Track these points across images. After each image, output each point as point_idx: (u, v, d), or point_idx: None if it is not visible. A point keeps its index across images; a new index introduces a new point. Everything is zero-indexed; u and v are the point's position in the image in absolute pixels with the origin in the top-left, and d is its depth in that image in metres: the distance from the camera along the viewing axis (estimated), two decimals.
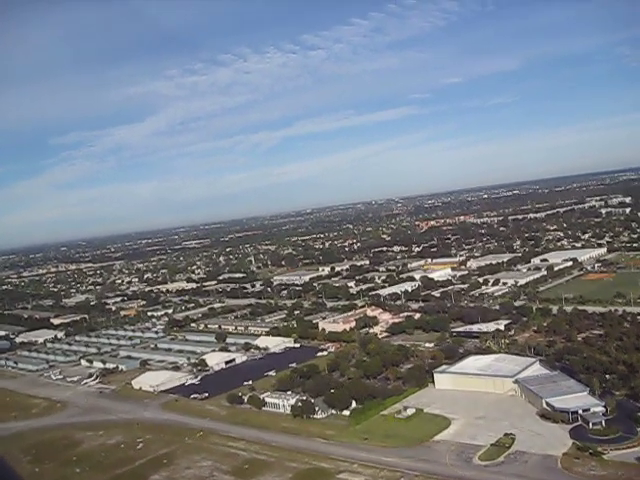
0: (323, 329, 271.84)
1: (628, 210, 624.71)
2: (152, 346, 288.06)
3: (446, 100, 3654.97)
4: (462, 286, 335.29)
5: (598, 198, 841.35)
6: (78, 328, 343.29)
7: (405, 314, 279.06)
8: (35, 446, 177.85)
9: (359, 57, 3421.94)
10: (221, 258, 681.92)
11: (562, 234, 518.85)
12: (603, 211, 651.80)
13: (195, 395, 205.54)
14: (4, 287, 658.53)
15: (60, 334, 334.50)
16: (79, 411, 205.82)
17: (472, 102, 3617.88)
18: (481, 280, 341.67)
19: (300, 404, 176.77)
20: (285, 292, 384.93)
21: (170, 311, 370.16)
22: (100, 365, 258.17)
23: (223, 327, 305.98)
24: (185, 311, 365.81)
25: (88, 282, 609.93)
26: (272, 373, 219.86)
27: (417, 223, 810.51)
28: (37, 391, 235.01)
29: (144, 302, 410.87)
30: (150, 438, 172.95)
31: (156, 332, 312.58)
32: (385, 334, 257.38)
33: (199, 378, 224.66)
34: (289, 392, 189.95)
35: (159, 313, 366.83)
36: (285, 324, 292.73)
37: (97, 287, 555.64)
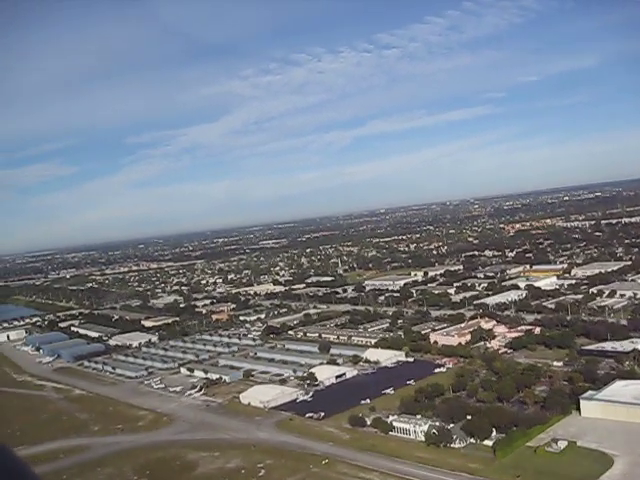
0: (435, 342, 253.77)
1: None
2: (251, 354, 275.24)
3: (522, 99, 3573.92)
4: (575, 297, 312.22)
5: None
6: (171, 332, 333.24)
7: (524, 327, 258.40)
8: (147, 466, 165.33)
9: (434, 56, 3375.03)
10: (303, 259, 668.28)
11: None
12: None
13: (310, 414, 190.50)
14: (89, 285, 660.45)
15: (154, 338, 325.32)
16: (188, 427, 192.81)
17: (549, 101, 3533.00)
18: (595, 291, 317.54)
19: (435, 431, 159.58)
20: (382, 298, 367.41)
21: (262, 316, 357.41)
22: (202, 375, 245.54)
23: (324, 336, 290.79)
24: (278, 317, 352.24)
25: (172, 282, 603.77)
26: (390, 391, 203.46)
27: (503, 226, 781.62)
28: (139, 401, 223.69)
29: (234, 305, 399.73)
30: (271, 464, 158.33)
31: (253, 339, 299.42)
32: (504, 350, 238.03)
33: (311, 394, 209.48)
34: (418, 416, 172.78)
35: (252, 318, 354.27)
36: (391, 334, 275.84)
37: (182, 287, 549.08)
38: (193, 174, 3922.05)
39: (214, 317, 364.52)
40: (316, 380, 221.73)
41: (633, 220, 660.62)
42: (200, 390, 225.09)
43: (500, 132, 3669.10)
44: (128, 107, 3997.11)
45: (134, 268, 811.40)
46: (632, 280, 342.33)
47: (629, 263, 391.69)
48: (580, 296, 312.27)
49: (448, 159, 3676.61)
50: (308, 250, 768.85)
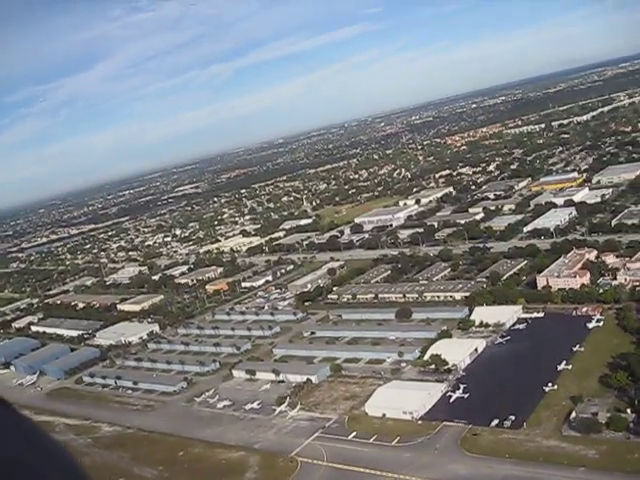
0: (548, 286, 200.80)
1: None
2: (306, 334, 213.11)
3: (400, 12, 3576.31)
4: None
5: (623, 94, 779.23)
6: (170, 317, 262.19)
7: None
8: None
9: None
10: (248, 202, 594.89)
11: None
12: None
13: (495, 421, 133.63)
14: (17, 266, 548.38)
15: (154, 328, 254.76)
16: (332, 473, 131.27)
17: (429, 10, 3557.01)
18: None
19: None
20: (403, 237, 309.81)
21: (270, 278, 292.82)
22: (270, 376, 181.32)
23: (381, 296, 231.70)
24: (290, 276, 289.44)
25: (113, 249, 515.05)
26: (565, 366, 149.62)
27: (444, 141, 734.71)
28: (215, 433, 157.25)
29: (220, 269, 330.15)
30: None
31: (294, 313, 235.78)
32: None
33: (462, 388, 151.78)
34: None
35: (258, 282, 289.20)
36: (471, 283, 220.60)
37: (129, 253, 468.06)
38: (75, 127, 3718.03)
39: (210, 288, 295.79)
40: (446, 363, 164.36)
41: (585, 118, 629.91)
42: (294, 405, 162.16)
43: (382, 48, 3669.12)
44: None
45: (54, 237, 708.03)
46: None
47: None
48: None
49: (334, 80, 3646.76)
50: (243, 191, 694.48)
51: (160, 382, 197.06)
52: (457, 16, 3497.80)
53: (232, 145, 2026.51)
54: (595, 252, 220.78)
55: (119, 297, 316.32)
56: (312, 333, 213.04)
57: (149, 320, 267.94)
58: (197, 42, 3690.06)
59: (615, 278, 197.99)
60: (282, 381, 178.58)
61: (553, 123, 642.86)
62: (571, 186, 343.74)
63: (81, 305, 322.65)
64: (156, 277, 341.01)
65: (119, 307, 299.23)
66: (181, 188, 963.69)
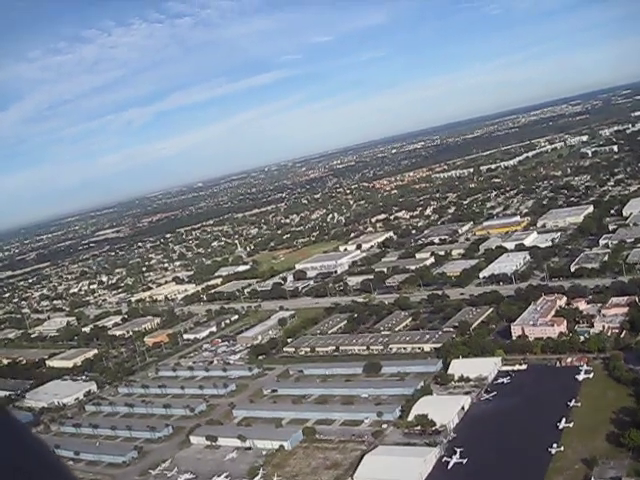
0: (525, 336, 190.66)
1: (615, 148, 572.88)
2: (267, 391, 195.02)
3: (319, 60, 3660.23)
4: (596, 252, 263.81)
5: (543, 140, 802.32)
6: (109, 374, 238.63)
7: (620, 300, 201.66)
8: None
9: (227, 22, 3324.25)
10: (176, 248, 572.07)
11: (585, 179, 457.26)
12: (588, 152, 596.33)
13: None
14: None
15: (91, 387, 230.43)
16: None
17: (345, 59, 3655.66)
18: (609, 243, 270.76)
19: None
20: (352, 284, 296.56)
21: (214, 329, 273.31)
22: (235, 443, 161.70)
23: (342, 349, 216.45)
24: (236, 326, 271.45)
25: (34, 297, 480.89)
26: (565, 424, 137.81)
27: (373, 184, 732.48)
28: None
29: (157, 320, 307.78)
30: None
31: (249, 369, 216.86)
32: (621, 333, 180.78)
33: (459, 453, 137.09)
34: None
35: (202, 334, 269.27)
36: (439, 333, 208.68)
37: (54, 302, 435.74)
38: None
39: (149, 341, 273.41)
40: (434, 424, 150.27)
41: (512, 163, 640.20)
42: (269, 477, 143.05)
43: (300, 94, 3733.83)
44: None
45: None
46: (627, 225, 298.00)
47: (590, 208, 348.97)
48: (600, 250, 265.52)
49: (254, 125, 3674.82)
50: (169, 236, 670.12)
51: (106, 452, 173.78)
52: (372, 65, 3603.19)
53: (150, 189, 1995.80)
54: (565, 298, 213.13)
55: (47, 352, 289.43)
56: (274, 391, 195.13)
57: (84, 378, 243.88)
58: (115, 85, 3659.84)
59: (592, 325, 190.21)
60: (249, 448, 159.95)
61: (481, 167, 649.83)
62: (516, 230, 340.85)
63: (5, 361, 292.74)
64: (87, 329, 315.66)
65: (48, 363, 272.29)
66: (102, 232, 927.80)
